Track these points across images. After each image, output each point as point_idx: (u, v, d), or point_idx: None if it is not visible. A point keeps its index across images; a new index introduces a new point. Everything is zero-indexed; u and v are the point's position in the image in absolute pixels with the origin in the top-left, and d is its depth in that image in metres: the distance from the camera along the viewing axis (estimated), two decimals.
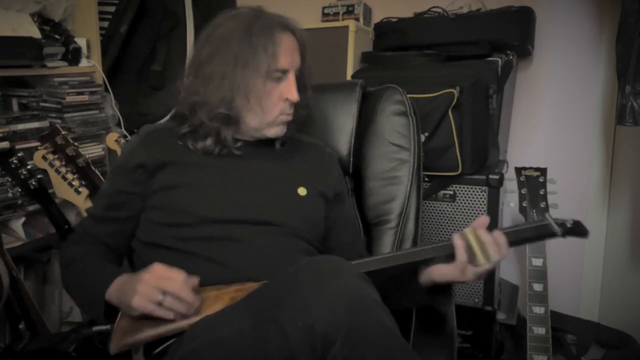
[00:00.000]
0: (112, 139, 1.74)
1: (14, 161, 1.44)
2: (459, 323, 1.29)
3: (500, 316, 1.83)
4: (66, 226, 1.50)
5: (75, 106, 1.92)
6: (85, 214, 1.47)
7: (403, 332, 0.87)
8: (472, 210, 1.73)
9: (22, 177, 1.45)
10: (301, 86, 1.16)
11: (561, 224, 1.03)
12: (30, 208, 1.79)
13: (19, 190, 1.46)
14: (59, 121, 1.87)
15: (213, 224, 1.07)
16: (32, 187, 1.46)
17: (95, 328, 1.07)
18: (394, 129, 1.36)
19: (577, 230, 1.04)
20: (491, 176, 1.69)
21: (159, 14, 2.33)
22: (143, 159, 1.13)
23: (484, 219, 0.98)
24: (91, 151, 1.96)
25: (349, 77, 1.91)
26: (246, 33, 1.09)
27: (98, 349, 1.31)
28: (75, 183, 1.52)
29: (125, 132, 2.11)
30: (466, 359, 1.82)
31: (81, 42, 1.97)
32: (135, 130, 1.25)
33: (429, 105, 1.63)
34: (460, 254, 0.96)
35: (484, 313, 1.77)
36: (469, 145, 1.66)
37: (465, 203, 1.73)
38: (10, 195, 1.69)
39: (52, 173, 1.52)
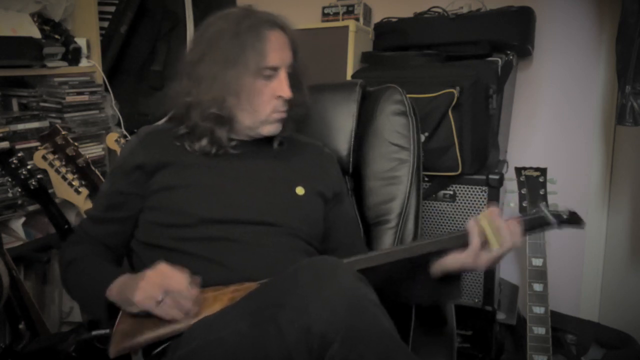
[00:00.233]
0: (112, 139, 1.74)
1: (14, 161, 1.45)
2: (459, 323, 1.29)
3: (500, 316, 1.83)
4: (66, 226, 1.50)
5: (75, 106, 1.93)
6: (85, 214, 1.47)
7: (402, 332, 0.88)
8: (472, 210, 1.72)
9: (22, 177, 1.45)
10: (295, 83, 1.15)
11: (557, 214, 1.05)
12: (30, 208, 1.79)
13: (19, 190, 1.47)
14: (59, 121, 1.88)
15: (211, 225, 1.07)
16: (32, 187, 1.46)
17: (95, 332, 1.07)
18: (394, 128, 1.36)
19: (572, 220, 1.06)
20: (491, 176, 1.69)
21: (159, 14, 2.33)
22: (142, 159, 1.13)
23: (495, 208, 0.99)
24: (91, 151, 1.97)
25: (348, 77, 1.90)
26: (235, 32, 1.09)
27: (98, 349, 1.31)
28: (75, 183, 1.52)
29: (125, 132, 2.11)
30: (466, 359, 1.82)
31: (81, 42, 1.97)
32: (135, 130, 1.25)
33: (429, 105, 1.63)
34: (475, 238, 0.97)
35: (484, 313, 1.77)
36: (469, 145, 1.66)
37: (465, 203, 1.73)
38: (10, 195, 1.70)
39: (52, 173, 1.52)
